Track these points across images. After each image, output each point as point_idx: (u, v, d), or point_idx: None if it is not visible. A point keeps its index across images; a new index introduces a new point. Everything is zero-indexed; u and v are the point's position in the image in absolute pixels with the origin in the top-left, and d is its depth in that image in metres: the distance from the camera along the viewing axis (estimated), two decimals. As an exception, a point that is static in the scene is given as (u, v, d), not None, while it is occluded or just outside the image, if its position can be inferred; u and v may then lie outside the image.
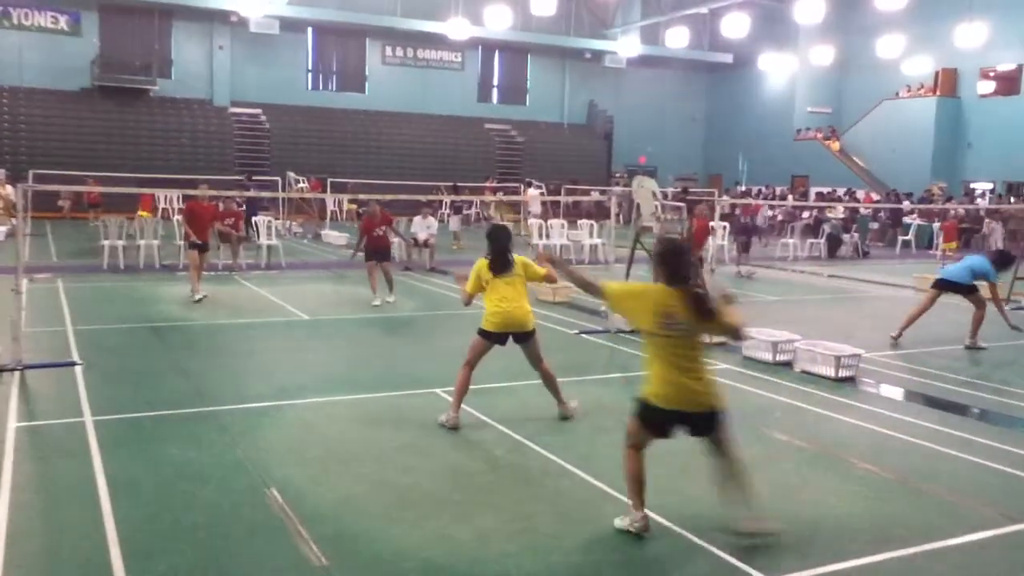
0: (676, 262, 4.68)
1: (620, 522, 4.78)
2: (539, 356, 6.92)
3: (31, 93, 31.69)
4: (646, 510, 4.74)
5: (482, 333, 6.77)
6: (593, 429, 6.81)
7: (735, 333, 4.81)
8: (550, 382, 6.96)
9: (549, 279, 7.10)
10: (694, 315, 4.57)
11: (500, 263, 6.72)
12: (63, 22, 32.99)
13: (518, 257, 6.91)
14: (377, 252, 12.92)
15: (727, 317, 4.66)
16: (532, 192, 27.09)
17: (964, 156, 34.36)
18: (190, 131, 33.20)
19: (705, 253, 13.44)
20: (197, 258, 12.78)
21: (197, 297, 12.34)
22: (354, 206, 30.14)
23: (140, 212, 22.95)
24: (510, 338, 6.79)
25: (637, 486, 4.77)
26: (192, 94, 34.84)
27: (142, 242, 16.48)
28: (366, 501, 5.14)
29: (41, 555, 4.36)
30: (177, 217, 18.59)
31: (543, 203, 25.91)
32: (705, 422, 4.76)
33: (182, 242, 15.70)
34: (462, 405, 6.68)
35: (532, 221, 22.14)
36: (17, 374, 7.78)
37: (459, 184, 31.24)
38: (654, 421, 4.77)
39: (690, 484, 5.58)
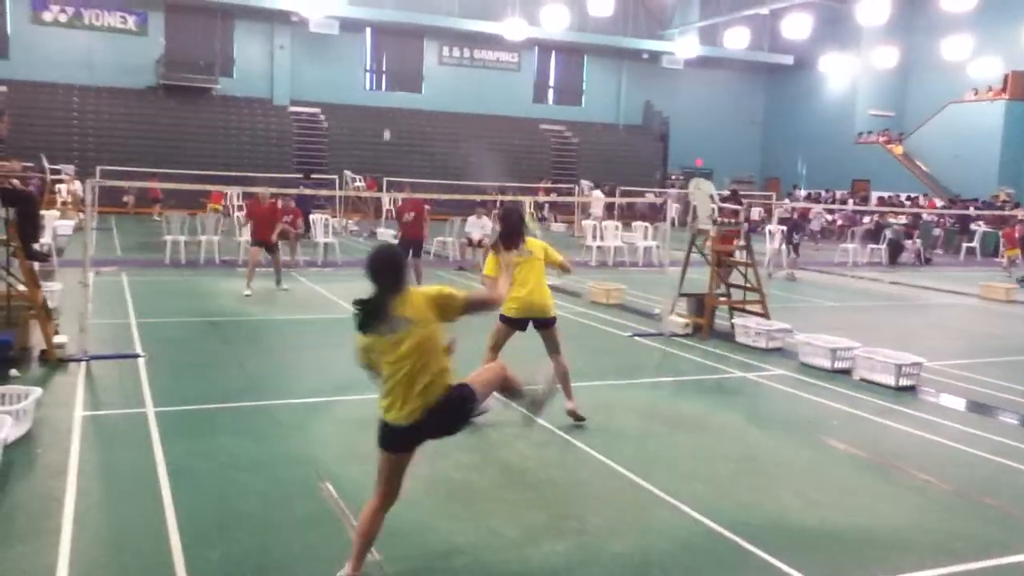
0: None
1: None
2: (557, 346, 6.78)
3: (99, 92, 32.58)
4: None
5: (502, 318, 6.73)
6: (642, 431, 6.78)
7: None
8: (563, 375, 6.73)
9: (564, 268, 7.15)
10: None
11: (509, 239, 6.54)
12: (131, 22, 33.86)
13: (537, 241, 6.86)
14: (410, 244, 12.88)
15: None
16: (596, 194, 26.90)
17: (1033, 162, 33.36)
18: (250, 129, 33.82)
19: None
20: (256, 255, 13.01)
21: (246, 292, 12.62)
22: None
23: (211, 206, 23.48)
24: (530, 324, 6.74)
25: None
26: (253, 93, 35.47)
27: (203, 238, 16.83)
28: (418, 496, 5.18)
29: (105, 539, 4.49)
30: (238, 214, 18.94)
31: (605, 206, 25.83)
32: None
33: (243, 239, 16.02)
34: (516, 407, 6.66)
35: (586, 223, 22.07)
36: (83, 364, 8.01)
37: (505, 185, 31.29)
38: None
39: (743, 491, 5.52)
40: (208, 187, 22.14)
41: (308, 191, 20.12)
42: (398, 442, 4.13)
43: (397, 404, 4.02)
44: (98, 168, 23.45)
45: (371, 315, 4.04)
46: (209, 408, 6.93)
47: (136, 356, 8.52)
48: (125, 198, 27.60)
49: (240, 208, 24.43)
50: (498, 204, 29.69)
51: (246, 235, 14.68)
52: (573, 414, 6.77)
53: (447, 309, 4.11)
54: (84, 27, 33.03)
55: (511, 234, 6.60)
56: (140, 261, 16.38)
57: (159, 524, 4.64)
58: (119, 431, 6.31)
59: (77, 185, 22.78)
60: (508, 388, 4.54)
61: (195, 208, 22.69)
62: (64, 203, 22.88)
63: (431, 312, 4.05)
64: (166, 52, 33.81)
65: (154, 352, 8.74)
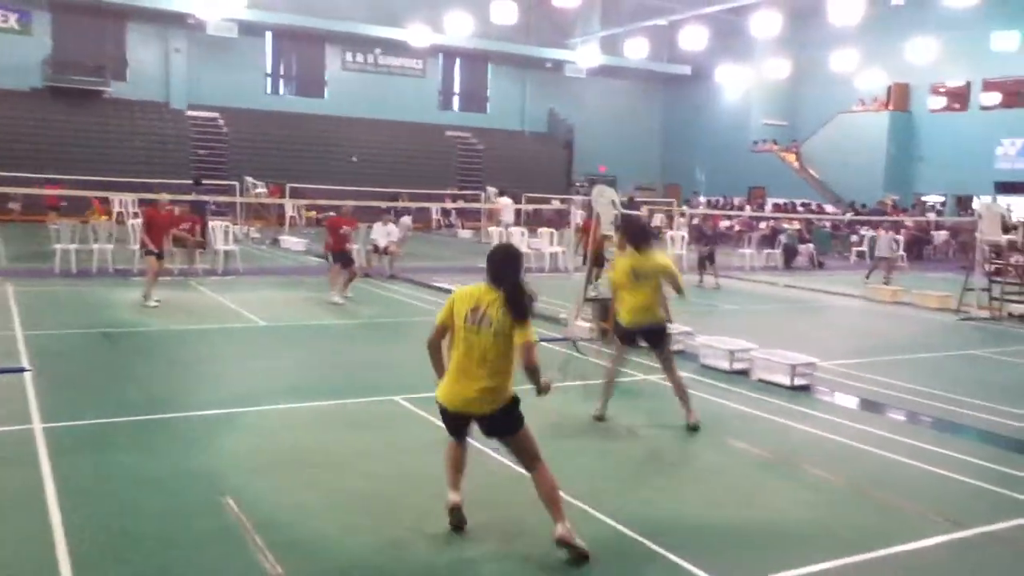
0: (496, 265, 4.66)
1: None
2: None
3: (-21, 93, 31.01)
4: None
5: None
6: (548, 435, 6.80)
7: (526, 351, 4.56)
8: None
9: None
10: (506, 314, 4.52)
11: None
12: (13, 20, 32.34)
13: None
14: (341, 255, 13.27)
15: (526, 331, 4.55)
16: (504, 200, 26.94)
17: (916, 169, 35.14)
18: (145, 134, 32.71)
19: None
20: (156, 265, 12.57)
21: (151, 303, 12.15)
22: (313, 213, 29.96)
23: (95, 216, 22.32)
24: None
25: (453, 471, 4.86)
26: (148, 96, 34.34)
27: (95, 246, 16.18)
28: (322, 508, 5.10)
29: (-14, 565, 4.25)
30: (132, 221, 18.28)
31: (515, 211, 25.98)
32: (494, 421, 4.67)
33: (138, 248, 15.45)
34: (422, 413, 6.64)
35: (493, 229, 22.15)
36: (-37, 380, 7.59)
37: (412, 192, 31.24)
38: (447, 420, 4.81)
39: (647, 491, 5.61)
40: (101, 194, 21.33)
41: (204, 197, 19.60)
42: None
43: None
44: (-21, 174, 22.32)
45: (511, 302, 4.48)
46: (102, 423, 6.65)
47: (22, 370, 8.12)
48: (11, 204, 26.35)
49: (136, 215, 23.60)
50: (394, 211, 29.64)
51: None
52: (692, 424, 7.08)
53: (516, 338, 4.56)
54: (-39, 25, 31.38)
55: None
56: (28, 271, 15.64)
57: (47, 547, 4.41)
58: (3, 449, 5.98)
59: (-44, 191, 21.61)
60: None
61: (86, 216, 21.82)
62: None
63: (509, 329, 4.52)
64: (53, 53, 32.44)
65: (42, 365, 8.35)
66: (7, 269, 15.83)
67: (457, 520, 4.77)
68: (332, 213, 15.59)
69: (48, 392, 7.46)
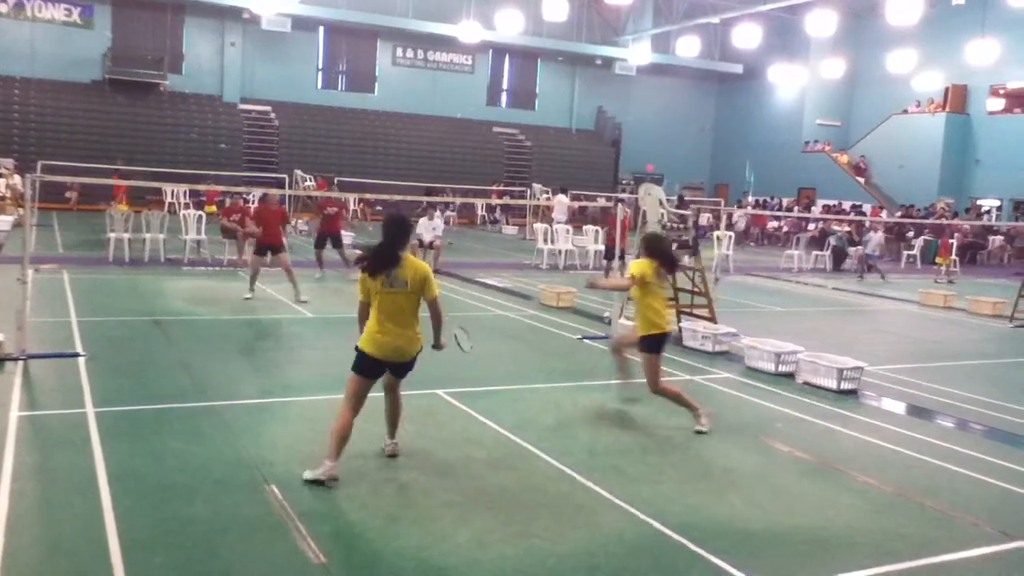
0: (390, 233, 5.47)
1: (309, 474, 5.30)
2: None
3: (42, 84, 31.77)
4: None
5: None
6: (593, 435, 6.81)
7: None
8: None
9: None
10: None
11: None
12: (76, 14, 33.08)
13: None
14: (329, 236, 13.22)
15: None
16: (561, 198, 26.75)
17: (972, 172, 34.33)
18: (199, 126, 33.26)
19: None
20: (259, 261, 12.58)
21: (247, 296, 12.38)
22: (361, 205, 30.24)
23: (117, 205, 21.91)
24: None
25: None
26: (202, 90, 34.92)
27: (148, 235, 16.51)
28: (366, 499, 5.15)
29: (40, 544, 4.37)
30: (185, 212, 18.62)
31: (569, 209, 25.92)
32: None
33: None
34: (465, 408, 6.68)
35: (538, 226, 22.12)
36: (21, 363, 7.80)
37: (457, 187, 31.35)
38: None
39: (691, 494, 5.58)
40: (157, 184, 21.63)
41: (274, 190, 19.83)
42: (367, 369, 5.45)
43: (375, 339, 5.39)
44: (39, 163, 22.89)
45: (379, 260, 5.35)
46: (153, 409, 6.79)
47: (76, 355, 8.32)
48: (67, 194, 26.99)
49: (187, 206, 24.03)
50: (450, 206, 29.76)
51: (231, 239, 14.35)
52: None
53: (426, 291, 5.49)
54: (26, 18, 32.18)
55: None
56: (82, 259, 16.01)
57: (98, 528, 4.52)
58: (57, 432, 6.15)
59: (17, 179, 22.18)
60: None
61: (141, 205, 22.21)
62: (2, 198, 22.26)
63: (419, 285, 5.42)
64: (113, 46, 33.11)
65: (96, 351, 8.54)
66: (63, 256, 16.22)
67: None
68: (333, 209, 15.83)
69: (101, 377, 7.63)
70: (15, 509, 4.71)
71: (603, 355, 10.02)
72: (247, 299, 12.30)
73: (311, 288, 13.41)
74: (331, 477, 5.28)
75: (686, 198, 31.17)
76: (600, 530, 4.89)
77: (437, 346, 5.66)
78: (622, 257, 13.89)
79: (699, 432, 6.86)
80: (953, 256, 22.88)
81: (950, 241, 23.22)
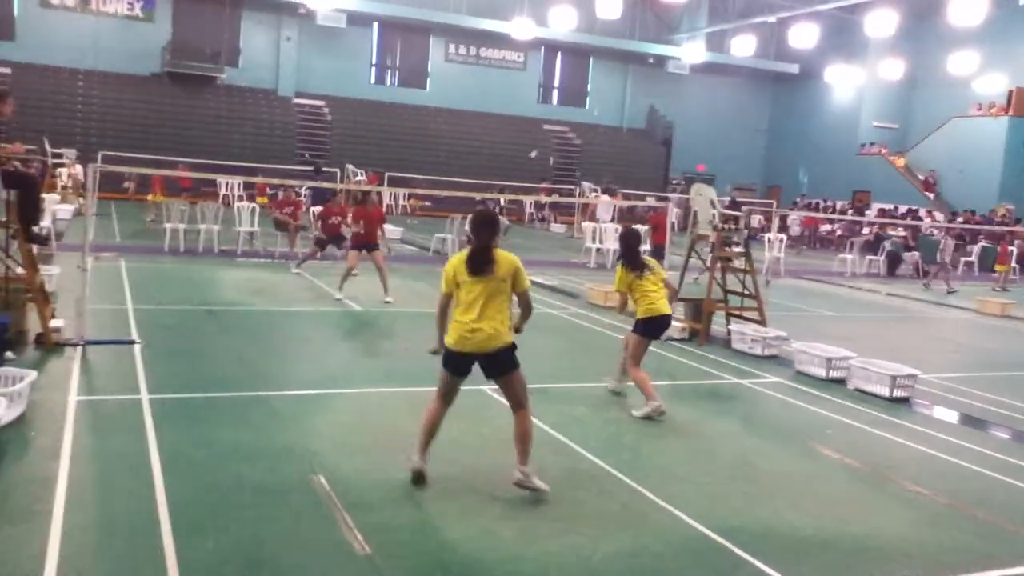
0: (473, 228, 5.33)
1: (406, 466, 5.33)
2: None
3: (104, 77, 32.53)
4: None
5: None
6: (640, 435, 6.78)
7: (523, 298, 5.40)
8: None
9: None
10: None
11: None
12: (138, 8, 33.83)
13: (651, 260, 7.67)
14: (363, 244, 13.03)
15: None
16: (604, 198, 26.66)
17: (1036, 178, 33.40)
18: (254, 120, 33.78)
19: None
20: (356, 257, 12.57)
21: (338, 296, 12.20)
22: (417, 202, 30.47)
23: (152, 196, 22.07)
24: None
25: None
26: (258, 84, 35.45)
27: (203, 227, 16.82)
28: (412, 493, 5.19)
29: (96, 525, 4.48)
30: (239, 204, 18.92)
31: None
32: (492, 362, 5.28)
33: (291, 234, 16.00)
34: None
35: (586, 224, 22.08)
36: (79, 349, 8.00)
37: (506, 184, 31.34)
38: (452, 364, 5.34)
39: (737, 497, 5.53)
40: (212, 176, 21.95)
41: (325, 184, 20.10)
42: (451, 364, 5.31)
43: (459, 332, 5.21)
44: (100, 153, 23.43)
45: (478, 261, 5.19)
46: (205, 397, 6.93)
47: (132, 342, 8.51)
48: (126, 184, 27.58)
49: (240, 198, 24.43)
50: (499, 203, 29.85)
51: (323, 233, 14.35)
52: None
53: (517, 283, 5.29)
54: (91, 12, 32.98)
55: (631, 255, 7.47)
56: (139, 248, 16.37)
57: (151, 511, 4.63)
58: (113, 417, 6.30)
59: (78, 169, 22.74)
60: None
61: (195, 196, 22.61)
62: (64, 187, 22.85)
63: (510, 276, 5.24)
64: (173, 39, 33.78)
65: (150, 339, 8.73)
66: (120, 245, 16.60)
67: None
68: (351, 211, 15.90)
69: (155, 364, 7.80)
70: (72, 490, 4.84)
71: (650, 355, 9.96)
72: (338, 299, 12.13)
73: (356, 281, 13.52)
74: (415, 470, 5.26)
75: (738, 199, 30.86)
76: (644, 531, 4.87)
77: (517, 330, 5.44)
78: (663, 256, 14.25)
79: (634, 415, 7.13)
80: (1013, 264, 22.27)
81: (1010, 248, 22.60)
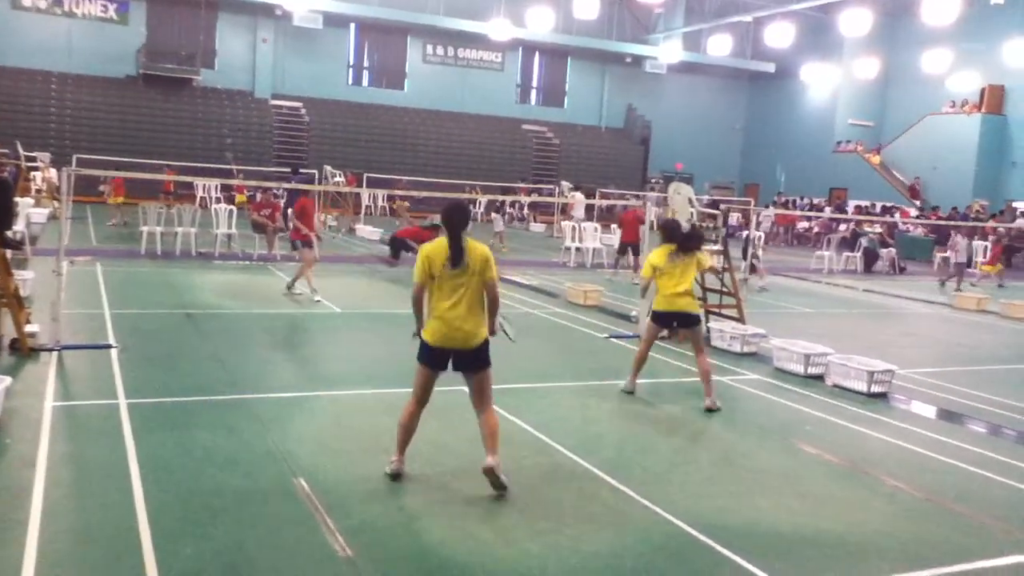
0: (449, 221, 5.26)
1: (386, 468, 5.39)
2: (699, 346, 7.75)
3: (78, 79, 32.23)
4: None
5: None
6: (620, 434, 6.80)
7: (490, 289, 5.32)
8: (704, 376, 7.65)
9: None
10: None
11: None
12: (112, 10, 33.54)
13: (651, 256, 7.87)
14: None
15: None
16: (577, 196, 26.85)
17: (1008, 175, 33.79)
18: (231, 122, 33.58)
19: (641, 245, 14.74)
20: (311, 254, 12.44)
21: (317, 297, 12.04)
22: (400, 203, 30.33)
23: (112, 199, 21.77)
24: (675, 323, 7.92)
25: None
26: (234, 85, 35.25)
27: (179, 229, 16.70)
28: (392, 494, 5.17)
29: (74, 532, 4.43)
30: (216, 206, 18.79)
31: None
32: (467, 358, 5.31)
33: (259, 234, 15.90)
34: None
35: (566, 224, 22.13)
36: (55, 354, 7.92)
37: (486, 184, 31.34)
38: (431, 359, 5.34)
39: (719, 495, 5.55)
40: (189, 178, 21.80)
41: (302, 186, 19.96)
42: (429, 359, 5.30)
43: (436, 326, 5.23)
44: (75, 156, 23.19)
45: (455, 253, 5.14)
46: (183, 401, 6.87)
47: (109, 347, 8.44)
48: (101, 187, 27.32)
49: (218, 201, 24.25)
50: (478, 203, 29.78)
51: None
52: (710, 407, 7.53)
53: (485, 273, 5.24)
54: (64, 14, 32.68)
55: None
56: (115, 252, 16.23)
57: (129, 518, 4.58)
58: (90, 422, 6.24)
59: (52, 173, 22.50)
60: None
61: (138, 198, 22.27)
62: (39, 191, 22.60)
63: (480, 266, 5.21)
64: (147, 42, 33.54)
65: (128, 343, 8.66)
66: (96, 249, 16.45)
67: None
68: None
69: (132, 369, 7.73)
70: (50, 497, 4.79)
71: (630, 354, 9.99)
72: (317, 301, 11.98)
73: (336, 283, 13.48)
74: (395, 472, 5.30)
75: (717, 199, 31.01)
76: (626, 530, 4.88)
77: (491, 332, 5.41)
78: (636, 253, 16.30)
79: (623, 391, 7.86)
80: (994, 267, 22.01)
81: (1001, 245, 22.41)
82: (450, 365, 5.33)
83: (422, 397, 5.43)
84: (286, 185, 20.41)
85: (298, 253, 12.85)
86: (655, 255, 7.77)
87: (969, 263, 21.05)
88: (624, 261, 17.26)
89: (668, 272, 7.63)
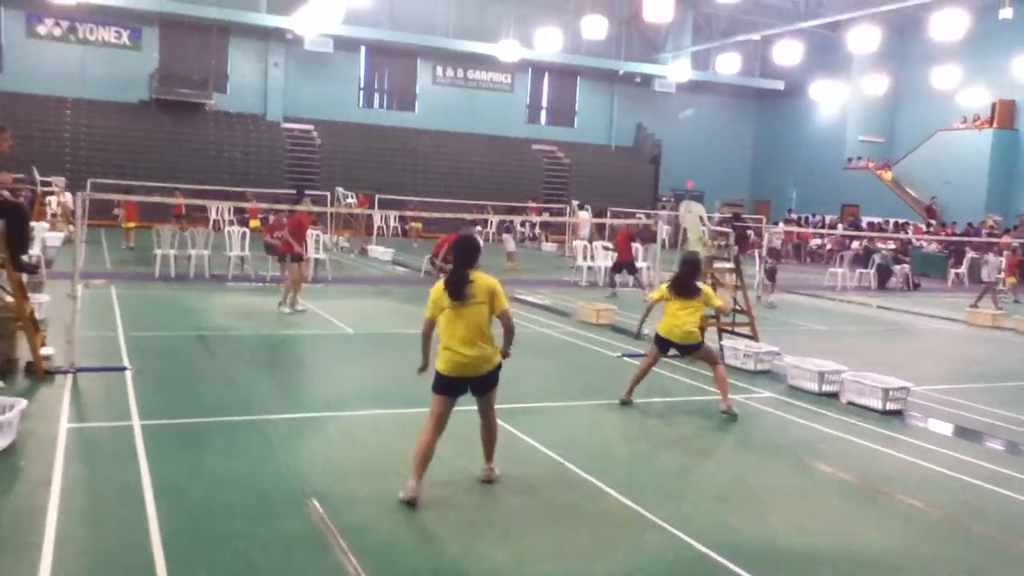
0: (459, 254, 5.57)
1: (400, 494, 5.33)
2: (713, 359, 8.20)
3: (92, 105, 32.55)
4: None
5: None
6: (634, 453, 6.77)
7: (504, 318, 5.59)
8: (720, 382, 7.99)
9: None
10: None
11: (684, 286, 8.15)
12: (125, 37, 33.91)
13: (704, 287, 8.41)
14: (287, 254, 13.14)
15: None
16: (583, 215, 26.91)
17: (1021, 189, 33.63)
18: (243, 145, 33.82)
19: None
20: (301, 270, 12.80)
21: (300, 308, 12.59)
22: (415, 224, 30.51)
23: (125, 223, 21.89)
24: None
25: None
26: (246, 109, 35.52)
27: (193, 252, 16.80)
28: (406, 515, 5.16)
29: (88, 553, 4.45)
30: (229, 229, 18.90)
31: (593, 226, 25.94)
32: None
33: (272, 256, 15.89)
34: (505, 425, 6.67)
35: (577, 243, 22.13)
36: (70, 376, 7.97)
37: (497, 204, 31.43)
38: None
39: (733, 514, 5.51)
40: (202, 201, 21.91)
41: (301, 208, 20.05)
42: (444, 388, 5.46)
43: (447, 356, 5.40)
44: (89, 181, 23.39)
45: (455, 285, 5.37)
46: (196, 422, 6.89)
47: (123, 369, 8.48)
48: (115, 211, 27.54)
49: (231, 223, 24.41)
50: (489, 223, 29.83)
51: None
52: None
53: (495, 305, 5.50)
54: (78, 41, 33.06)
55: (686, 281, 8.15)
56: (130, 274, 16.32)
57: (143, 539, 4.59)
58: (105, 444, 6.26)
59: (67, 197, 22.71)
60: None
61: (186, 222, 22.61)
62: (54, 215, 22.80)
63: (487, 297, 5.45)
64: (160, 67, 33.85)
65: (141, 365, 8.69)
66: (110, 272, 16.55)
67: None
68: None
69: (146, 391, 7.76)
70: (63, 519, 4.80)
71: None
72: (301, 311, 12.35)
73: (348, 304, 13.51)
74: (410, 498, 5.25)
75: (741, 215, 30.85)
76: (639, 549, 4.85)
77: (504, 354, 5.65)
78: (632, 272, 17.52)
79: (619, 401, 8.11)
80: (1013, 278, 21.82)
81: (1016, 258, 22.25)
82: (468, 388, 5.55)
83: (439, 425, 5.50)
84: (299, 208, 20.49)
85: (285, 267, 12.99)
86: (660, 289, 8.38)
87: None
88: (621, 280, 17.85)
89: (673, 302, 8.13)
